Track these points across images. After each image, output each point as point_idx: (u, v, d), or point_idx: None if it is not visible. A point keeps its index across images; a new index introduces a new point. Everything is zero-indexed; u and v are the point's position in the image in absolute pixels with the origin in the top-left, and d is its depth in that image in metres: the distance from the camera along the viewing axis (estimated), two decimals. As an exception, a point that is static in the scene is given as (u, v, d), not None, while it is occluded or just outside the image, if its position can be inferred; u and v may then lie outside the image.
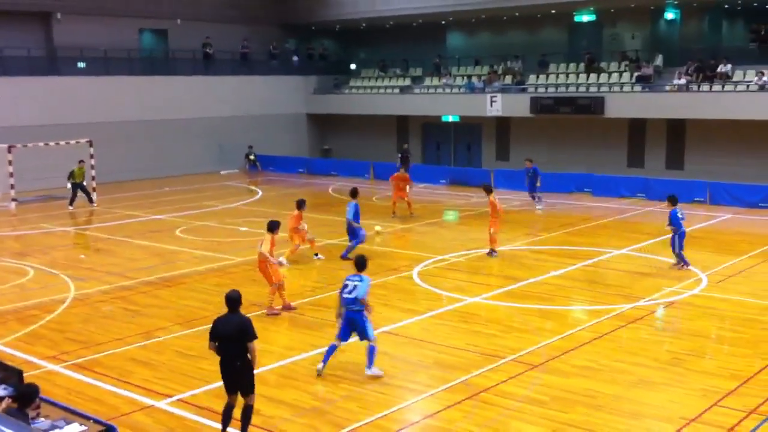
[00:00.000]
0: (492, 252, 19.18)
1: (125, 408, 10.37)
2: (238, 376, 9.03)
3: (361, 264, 11.48)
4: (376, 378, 11.21)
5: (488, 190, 19.61)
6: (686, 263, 17.46)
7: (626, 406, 10.29)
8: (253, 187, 33.44)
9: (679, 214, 17.36)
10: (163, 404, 10.48)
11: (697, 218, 24.51)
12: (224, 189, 32.82)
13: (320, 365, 11.38)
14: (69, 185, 27.83)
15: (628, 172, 31.96)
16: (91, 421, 8.14)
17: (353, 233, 19.21)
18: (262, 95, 40.37)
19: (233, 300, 9.17)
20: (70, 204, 27.71)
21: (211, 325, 9.13)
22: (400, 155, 34.78)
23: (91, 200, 28.48)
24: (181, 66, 38.64)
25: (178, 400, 10.61)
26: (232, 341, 8.91)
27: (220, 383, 11.20)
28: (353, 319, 11.21)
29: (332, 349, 11.40)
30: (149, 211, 26.86)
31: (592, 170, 30.91)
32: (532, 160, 26.56)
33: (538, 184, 26.22)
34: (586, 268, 18.15)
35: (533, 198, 26.39)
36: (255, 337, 8.96)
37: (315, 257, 19.00)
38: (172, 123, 36.87)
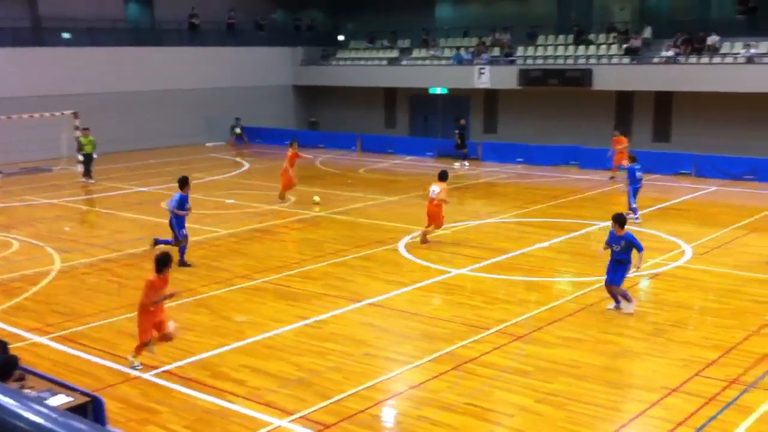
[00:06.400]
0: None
1: (111, 379, 10.36)
2: None
3: (623, 221, 12.77)
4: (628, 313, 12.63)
5: None
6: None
7: (609, 376, 10.38)
8: (240, 159, 33.30)
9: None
10: (148, 375, 10.48)
11: (683, 190, 24.65)
12: (210, 161, 32.65)
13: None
14: (80, 157, 27.39)
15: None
16: (77, 392, 8.13)
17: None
18: (248, 66, 39.96)
19: None
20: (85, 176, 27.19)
21: None
22: (457, 132, 31.29)
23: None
24: (167, 37, 38.22)
25: (163, 371, 10.61)
26: None
27: (205, 355, 11.23)
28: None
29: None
30: (134, 183, 26.72)
31: (580, 143, 30.90)
32: (635, 158, 20.41)
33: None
34: (571, 240, 18.22)
35: (634, 211, 19.67)
36: None
37: None
38: (157, 94, 36.48)
